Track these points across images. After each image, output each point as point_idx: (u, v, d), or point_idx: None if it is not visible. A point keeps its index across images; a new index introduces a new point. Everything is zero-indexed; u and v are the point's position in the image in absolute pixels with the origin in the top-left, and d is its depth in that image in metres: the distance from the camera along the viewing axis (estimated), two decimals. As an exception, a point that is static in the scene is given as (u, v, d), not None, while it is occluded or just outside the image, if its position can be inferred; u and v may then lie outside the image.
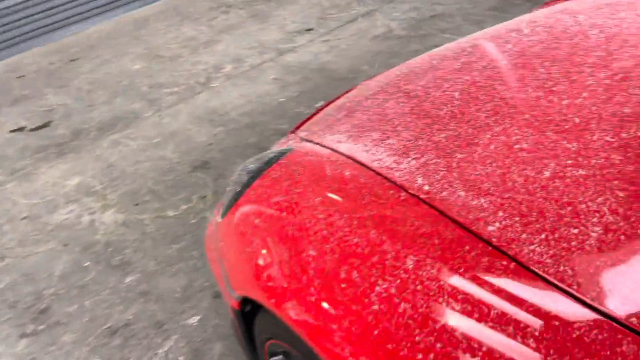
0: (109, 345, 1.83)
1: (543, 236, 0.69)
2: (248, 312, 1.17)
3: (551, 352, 0.58)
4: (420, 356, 0.65)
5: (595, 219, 0.69)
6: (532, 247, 0.68)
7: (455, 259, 0.71)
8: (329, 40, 3.78)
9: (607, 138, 0.82)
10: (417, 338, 0.67)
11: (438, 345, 0.65)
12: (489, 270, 0.68)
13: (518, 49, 1.22)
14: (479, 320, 0.64)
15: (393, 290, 0.72)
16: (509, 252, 0.69)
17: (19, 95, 3.93)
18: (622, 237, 0.65)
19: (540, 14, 1.46)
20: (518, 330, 0.61)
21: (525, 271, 0.66)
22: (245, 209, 1.08)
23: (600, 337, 0.57)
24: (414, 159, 0.95)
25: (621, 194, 0.71)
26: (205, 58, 3.90)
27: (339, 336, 0.75)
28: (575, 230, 0.68)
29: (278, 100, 3.16)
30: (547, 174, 0.79)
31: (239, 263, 1.04)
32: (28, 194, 2.78)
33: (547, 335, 0.59)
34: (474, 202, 0.79)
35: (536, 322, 0.61)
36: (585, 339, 0.57)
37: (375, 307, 0.72)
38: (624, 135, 0.81)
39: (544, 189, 0.76)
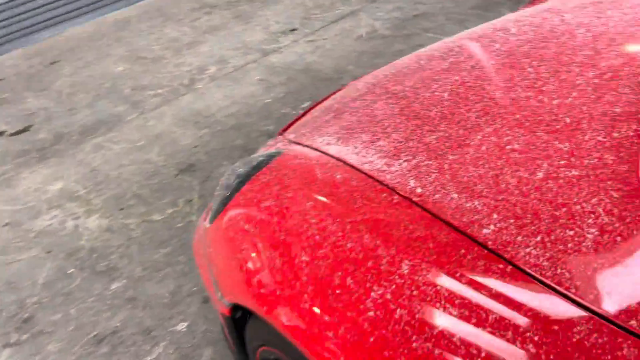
0: (96, 354, 1.80)
1: (539, 238, 0.69)
2: (239, 319, 1.15)
3: (551, 356, 0.57)
4: (417, 363, 0.64)
5: (590, 220, 0.68)
6: (528, 250, 0.68)
7: (451, 263, 0.70)
8: (313, 40, 3.77)
9: (599, 138, 0.81)
10: (414, 344, 0.66)
11: (436, 351, 0.64)
12: (485, 274, 0.67)
13: (506, 49, 1.22)
14: (477, 325, 0.63)
15: (389, 296, 0.71)
16: (505, 256, 0.68)
17: (-2, 99, 3.86)
18: (619, 238, 0.65)
19: (525, 13, 1.46)
20: (517, 335, 0.60)
21: (522, 274, 0.65)
22: (234, 214, 1.06)
23: (600, 340, 0.56)
24: (405, 161, 0.94)
25: (616, 195, 0.71)
26: (189, 59, 3.86)
27: (334, 344, 0.73)
28: (571, 232, 0.68)
29: (263, 101, 3.13)
30: (540, 175, 0.78)
31: (229, 270, 1.02)
32: (9, 200, 2.72)
33: (547, 339, 0.58)
34: (468, 205, 0.78)
35: (535, 326, 0.60)
36: (586, 343, 0.57)
37: (371, 313, 0.71)
38: (615, 134, 0.81)
39: (537, 190, 0.76)
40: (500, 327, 0.62)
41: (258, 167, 1.11)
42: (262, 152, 1.28)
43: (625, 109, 0.86)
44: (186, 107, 3.26)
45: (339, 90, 1.54)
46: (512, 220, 0.73)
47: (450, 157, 0.90)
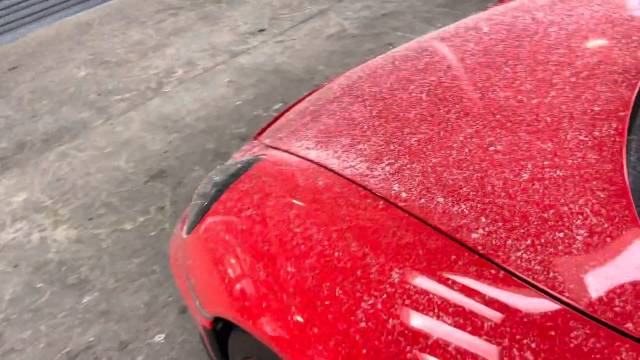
0: (69, 371, 1.73)
1: (529, 241, 0.68)
2: (221, 330, 1.11)
3: (549, 363, 0.57)
4: (413, 374, 0.63)
5: (579, 222, 0.68)
6: (519, 254, 0.67)
7: (442, 270, 0.69)
8: (282, 40, 3.74)
9: (581, 137, 0.82)
10: (408, 355, 0.64)
11: (431, 361, 0.62)
12: (478, 280, 0.66)
13: (480, 48, 1.22)
14: (472, 333, 0.62)
15: (380, 306, 0.69)
16: (496, 260, 0.67)
17: (-46, 108, 3.70)
18: (609, 239, 0.65)
19: (496, 12, 1.47)
20: (514, 342, 0.59)
21: (515, 279, 0.64)
22: (213, 224, 1.03)
23: (598, 345, 0.56)
24: (387, 164, 0.93)
25: (602, 195, 0.70)
26: (156, 62, 3.78)
27: (324, 357, 0.71)
28: (561, 234, 0.67)
29: (234, 103, 3.09)
30: (525, 176, 0.78)
31: (210, 282, 0.98)
32: (-30, 214, 2.60)
33: (544, 346, 0.58)
34: (455, 209, 0.77)
35: (531, 333, 0.59)
36: (584, 348, 0.56)
37: (363, 324, 0.69)
38: (596, 133, 0.81)
39: (524, 192, 0.75)
40: (496, 334, 0.61)
41: (236, 174, 1.08)
42: (239, 158, 1.25)
43: (604, 107, 0.87)
44: (154, 111, 3.18)
45: (314, 91, 1.52)
46: (500, 224, 0.72)
47: (433, 160, 0.89)
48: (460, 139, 0.92)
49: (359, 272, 0.74)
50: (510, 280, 0.65)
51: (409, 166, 0.90)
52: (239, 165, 1.11)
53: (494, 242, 0.69)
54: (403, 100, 1.12)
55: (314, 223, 0.85)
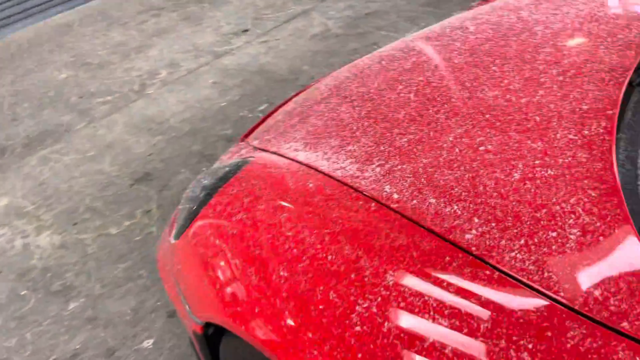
0: (56, 380, 1.70)
1: (522, 241, 0.68)
2: (212, 335, 1.10)
3: (546, 363, 0.57)
4: (409, 377, 0.62)
5: (571, 221, 0.68)
6: (513, 254, 0.67)
7: (437, 272, 0.68)
8: (266, 41, 3.72)
9: (571, 136, 0.82)
10: (405, 359, 0.64)
11: (428, 364, 0.62)
12: (472, 281, 0.66)
13: (467, 48, 1.22)
14: (469, 334, 0.62)
15: (375, 309, 0.69)
16: (491, 261, 0.67)
17: None
18: (601, 238, 0.65)
19: (481, 11, 1.48)
20: (511, 343, 0.59)
21: (509, 280, 0.64)
22: (203, 228, 1.01)
23: (594, 345, 0.56)
24: (378, 165, 0.92)
25: (593, 193, 0.71)
26: (138, 64, 3.73)
27: (320, 362, 0.70)
28: (554, 234, 0.67)
29: (219, 104, 3.06)
30: (516, 175, 0.78)
31: (201, 287, 0.97)
32: (-50, 221, 2.55)
33: (541, 347, 0.58)
34: (447, 210, 0.77)
35: (528, 334, 0.59)
36: (580, 348, 0.56)
37: (358, 328, 0.68)
38: (586, 132, 0.82)
39: (516, 192, 0.75)
40: (492, 335, 0.61)
41: (225, 178, 1.07)
42: (226, 160, 1.24)
43: (592, 105, 0.87)
44: (138, 113, 3.14)
45: (300, 92, 1.51)
46: (493, 224, 0.72)
47: (424, 161, 0.89)
48: (450, 139, 0.92)
49: (352, 275, 0.73)
50: (505, 280, 0.65)
51: (399, 167, 0.90)
52: (228, 169, 1.09)
53: (487, 242, 0.69)
54: (391, 101, 1.11)
55: (305, 226, 0.84)
